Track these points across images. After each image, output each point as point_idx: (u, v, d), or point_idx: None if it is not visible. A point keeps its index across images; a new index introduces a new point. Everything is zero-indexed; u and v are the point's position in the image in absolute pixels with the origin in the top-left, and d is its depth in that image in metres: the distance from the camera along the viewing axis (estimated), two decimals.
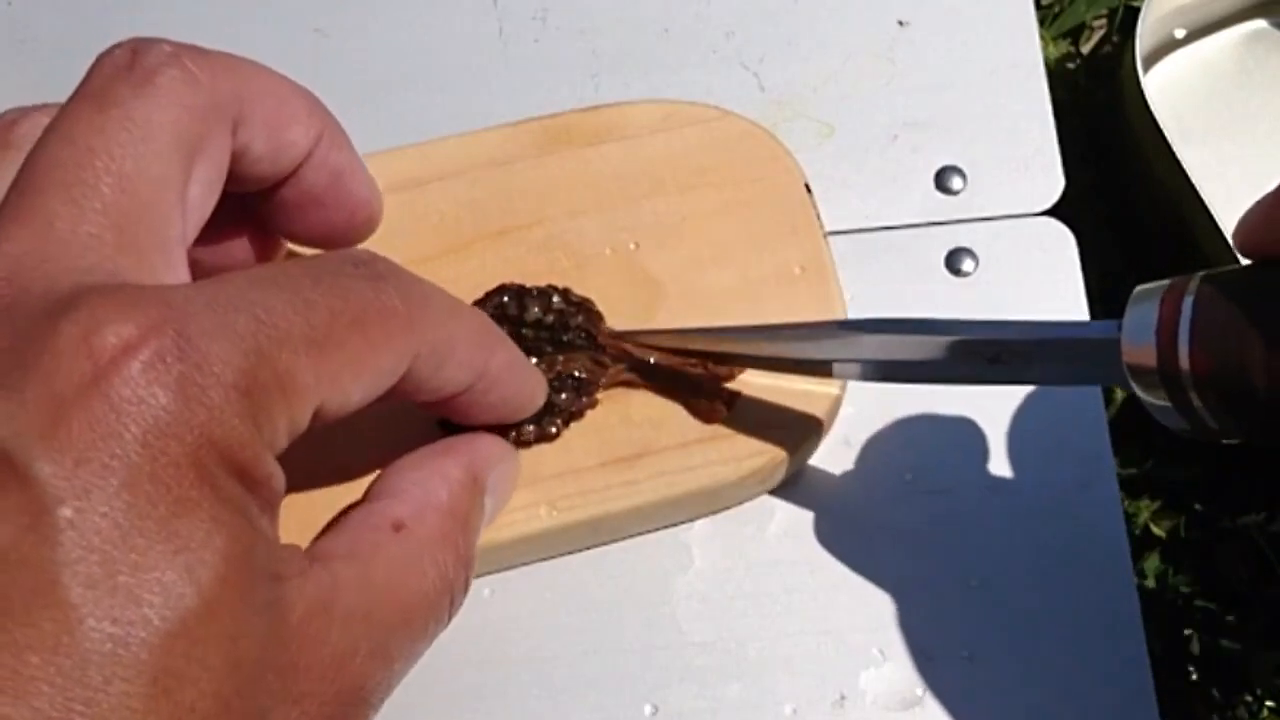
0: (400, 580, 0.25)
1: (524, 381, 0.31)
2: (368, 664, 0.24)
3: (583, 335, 0.34)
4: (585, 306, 0.34)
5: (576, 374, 0.33)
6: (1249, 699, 0.77)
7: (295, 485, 0.24)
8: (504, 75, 0.42)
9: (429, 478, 0.27)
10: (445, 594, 0.26)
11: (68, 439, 0.20)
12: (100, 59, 0.25)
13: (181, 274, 0.25)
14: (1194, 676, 0.78)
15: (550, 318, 0.34)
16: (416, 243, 0.36)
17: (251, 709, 0.21)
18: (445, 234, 0.36)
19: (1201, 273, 0.26)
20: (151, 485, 0.20)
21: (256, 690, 0.21)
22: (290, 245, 0.32)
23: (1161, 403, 0.26)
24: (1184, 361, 0.25)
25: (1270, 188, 0.26)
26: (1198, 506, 0.80)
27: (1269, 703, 0.76)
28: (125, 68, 0.25)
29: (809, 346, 0.32)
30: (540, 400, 0.32)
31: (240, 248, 0.30)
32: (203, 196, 0.26)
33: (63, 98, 0.45)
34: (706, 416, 0.34)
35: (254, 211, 0.30)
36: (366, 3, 0.43)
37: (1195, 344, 0.25)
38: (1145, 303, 0.26)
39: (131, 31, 0.43)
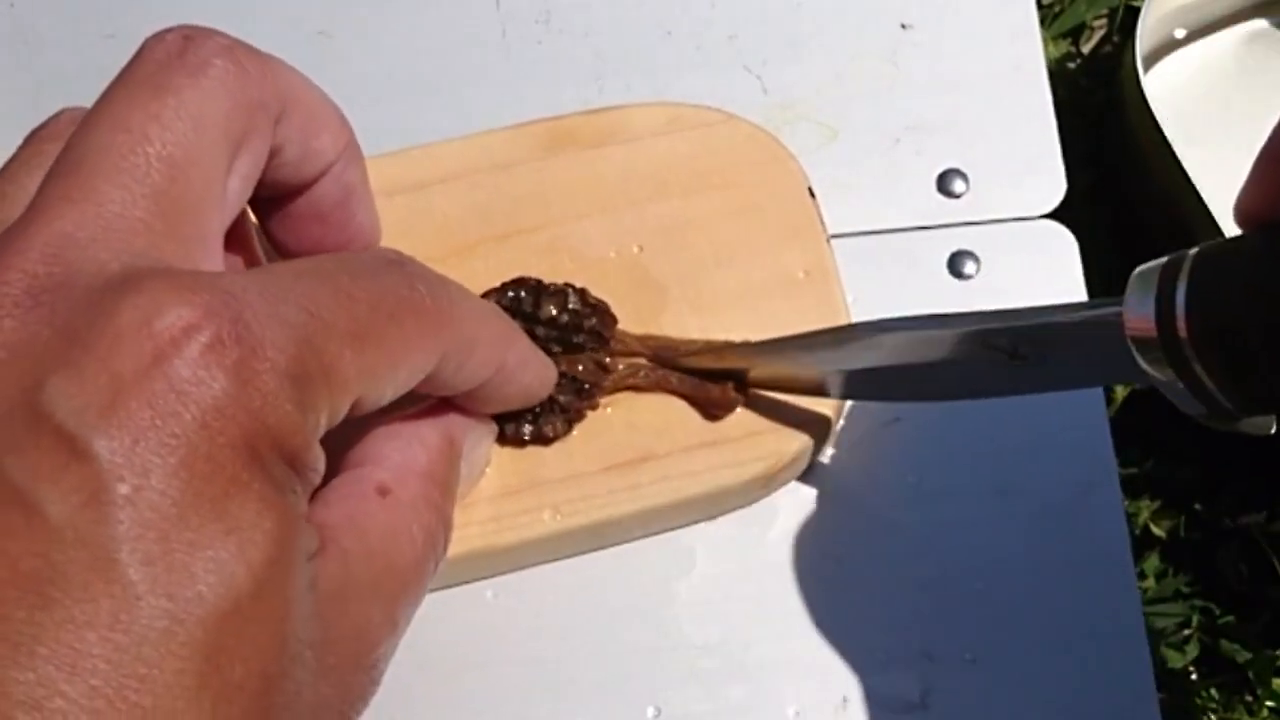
0: (395, 547, 0.25)
1: (535, 376, 0.31)
2: (380, 631, 0.24)
3: (594, 338, 0.34)
4: (601, 309, 0.34)
5: (579, 377, 0.33)
6: (1249, 699, 0.77)
7: None
8: (507, 78, 0.42)
9: (408, 443, 0.28)
10: (431, 556, 0.27)
11: (126, 417, 0.20)
12: (150, 44, 0.25)
13: (218, 264, 0.25)
14: (1194, 676, 0.78)
15: (565, 318, 0.34)
16: (420, 245, 0.36)
17: (290, 686, 0.22)
18: (449, 237, 0.36)
19: (1199, 245, 0.26)
20: (207, 465, 0.20)
21: (296, 667, 0.22)
22: None
23: (1170, 379, 0.26)
24: (1182, 328, 0.25)
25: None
26: (1198, 506, 0.81)
27: (1269, 703, 0.76)
28: (178, 54, 0.25)
29: (828, 355, 0.32)
30: (548, 389, 0.32)
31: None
32: (240, 191, 0.26)
33: (64, 98, 0.45)
34: (721, 407, 0.34)
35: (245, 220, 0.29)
36: (370, 5, 0.43)
37: (1192, 309, 0.25)
38: (1146, 277, 0.27)
39: (133, 31, 0.43)
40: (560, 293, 0.34)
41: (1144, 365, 0.27)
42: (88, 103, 0.41)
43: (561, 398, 0.33)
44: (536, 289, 0.34)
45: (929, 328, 0.31)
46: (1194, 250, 0.26)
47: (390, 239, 0.36)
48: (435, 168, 0.37)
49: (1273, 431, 0.27)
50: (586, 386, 0.33)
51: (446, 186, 0.36)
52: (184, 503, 0.20)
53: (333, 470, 0.26)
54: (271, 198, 0.29)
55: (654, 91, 0.41)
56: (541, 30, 0.42)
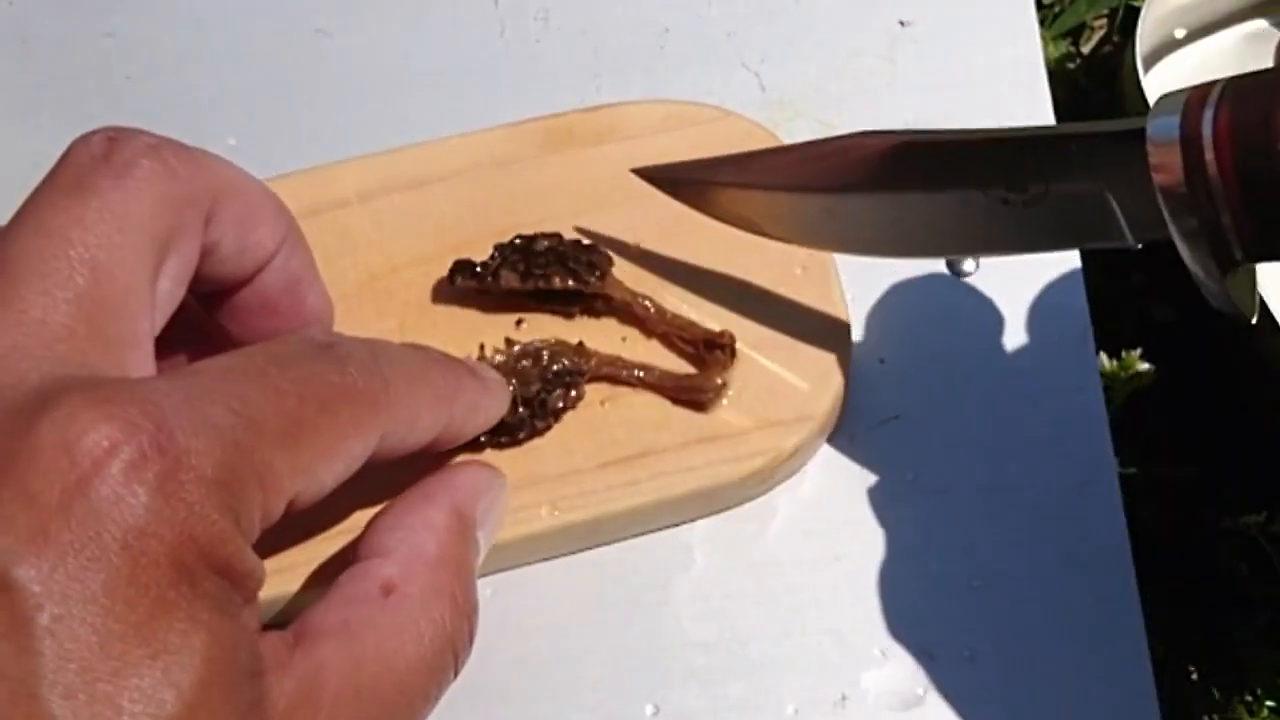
0: (394, 649, 0.24)
1: (486, 411, 0.31)
2: None
3: (590, 269, 0.34)
4: (594, 249, 0.35)
5: (561, 367, 0.33)
6: (1249, 699, 0.77)
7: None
8: (506, 76, 0.42)
9: (414, 531, 0.27)
10: (446, 651, 0.26)
11: (46, 544, 0.19)
12: (75, 146, 0.25)
13: (148, 367, 0.24)
14: (1194, 676, 0.78)
15: (562, 248, 0.34)
16: (418, 243, 0.36)
17: None
18: (447, 234, 0.36)
19: (1229, 77, 0.25)
20: (131, 588, 0.20)
21: None
22: None
23: (1186, 225, 0.25)
24: (1211, 164, 0.24)
25: None
26: (1198, 507, 0.80)
27: (1269, 702, 0.76)
28: (102, 156, 0.24)
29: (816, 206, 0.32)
30: (503, 412, 0.32)
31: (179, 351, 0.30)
32: (171, 291, 0.26)
33: (63, 98, 0.45)
34: (702, 392, 0.34)
35: (197, 314, 0.29)
36: (369, 3, 0.43)
37: (1219, 141, 0.24)
38: (1170, 101, 0.25)
39: (131, 31, 0.43)
40: (550, 235, 0.35)
41: (1163, 205, 0.25)
42: (84, 102, 0.41)
43: (554, 393, 0.33)
44: (526, 239, 0.35)
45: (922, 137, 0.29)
46: (1221, 82, 0.25)
47: (389, 237, 0.36)
48: (434, 166, 0.37)
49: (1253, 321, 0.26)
50: (571, 375, 0.34)
51: (445, 184, 0.37)
52: (106, 630, 0.19)
53: (346, 560, 0.26)
54: (217, 292, 0.28)
55: (652, 89, 0.41)
56: (540, 28, 0.42)
